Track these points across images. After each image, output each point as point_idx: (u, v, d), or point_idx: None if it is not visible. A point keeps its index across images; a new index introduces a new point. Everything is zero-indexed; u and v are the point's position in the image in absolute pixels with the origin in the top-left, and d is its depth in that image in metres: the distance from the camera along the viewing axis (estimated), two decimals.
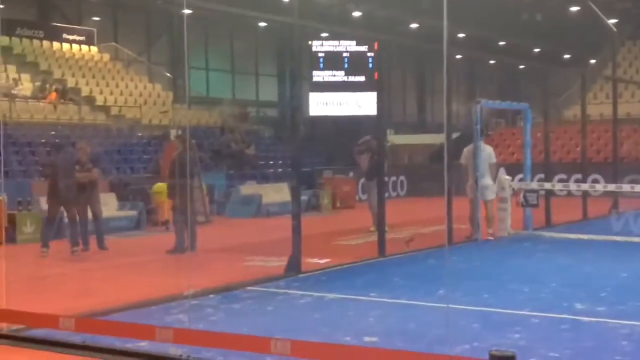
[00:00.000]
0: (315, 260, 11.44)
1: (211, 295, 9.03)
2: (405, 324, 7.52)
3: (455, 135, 15.87)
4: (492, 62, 46.17)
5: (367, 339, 6.73)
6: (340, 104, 11.57)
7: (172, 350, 5.97)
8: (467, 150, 14.57)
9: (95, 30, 32.28)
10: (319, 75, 11.36)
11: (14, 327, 6.88)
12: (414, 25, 35.96)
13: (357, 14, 34.19)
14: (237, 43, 37.34)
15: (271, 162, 27.28)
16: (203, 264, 11.65)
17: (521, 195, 14.99)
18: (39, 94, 25.63)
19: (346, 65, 11.67)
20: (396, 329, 7.24)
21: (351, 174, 24.85)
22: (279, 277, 10.25)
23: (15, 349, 6.65)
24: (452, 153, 13.44)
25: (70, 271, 12.02)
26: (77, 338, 6.43)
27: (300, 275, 10.31)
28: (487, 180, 14.33)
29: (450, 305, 7.00)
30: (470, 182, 14.29)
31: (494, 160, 14.80)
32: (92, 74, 29.63)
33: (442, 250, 11.82)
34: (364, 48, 11.90)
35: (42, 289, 9.62)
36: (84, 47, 31.40)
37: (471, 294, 8.73)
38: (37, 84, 26.30)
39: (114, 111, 27.12)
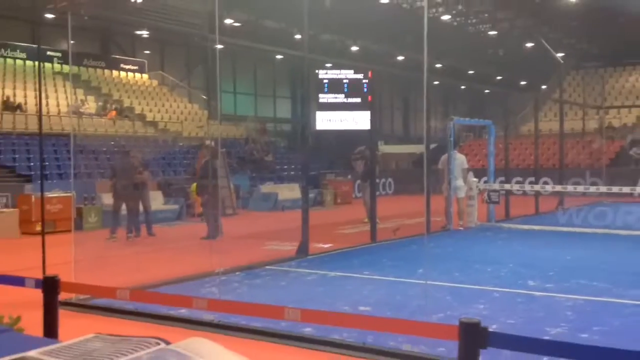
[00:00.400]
0: (320, 245, 11.44)
1: (237, 273, 9.03)
2: (392, 297, 7.51)
3: (433, 145, 15.83)
4: (463, 87, 46.14)
5: (361, 308, 6.73)
6: (341, 121, 11.52)
7: (206, 316, 5.98)
8: (443, 157, 14.61)
9: (146, 61, 32.34)
10: (324, 98, 11.32)
11: (81, 297, 6.91)
12: (400, 58, 35.94)
13: (354, 48, 34.21)
14: (259, 71, 37.38)
15: (285, 167, 27.28)
16: (230, 247, 11.67)
17: (486, 194, 14.97)
18: (101, 112, 25.67)
19: (346, 90, 11.62)
20: (385, 301, 7.24)
21: (349, 176, 24.84)
22: (291, 258, 10.25)
23: (82, 314, 6.67)
24: (431, 160, 13.41)
25: (125, 253, 12.05)
26: (130, 306, 6.44)
27: (308, 257, 10.32)
28: (459, 182, 14.33)
29: (428, 282, 6.99)
30: (445, 183, 14.30)
31: (465, 165, 14.80)
32: (143, 96, 29.67)
33: (421, 238, 11.79)
34: (360, 76, 11.86)
35: (103, 267, 9.64)
36: (137, 75, 31.45)
37: (445, 273, 8.72)
38: (100, 104, 26.34)
39: (161, 126, 27.15)
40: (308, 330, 5.69)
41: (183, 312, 6.24)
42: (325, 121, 12.07)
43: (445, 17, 31.03)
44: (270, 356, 5.39)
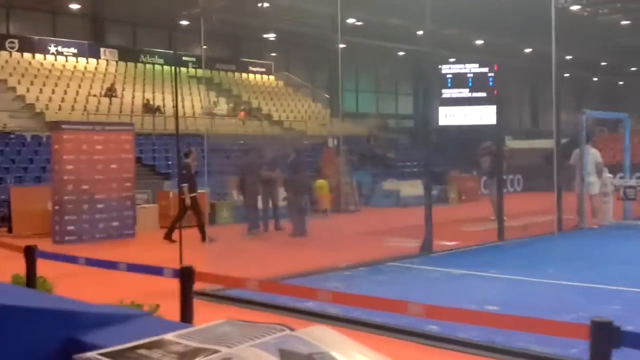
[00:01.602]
0: (444, 242, 11.22)
1: (360, 268, 9.07)
2: (520, 296, 7.22)
3: (564, 140, 15.06)
4: (595, 79, 43.59)
5: (488, 307, 6.52)
6: (465, 116, 11.27)
7: (330, 309, 6.06)
8: (575, 153, 13.91)
9: (272, 63, 33.30)
10: (447, 93, 11.12)
11: (214, 287, 7.23)
12: (527, 50, 34.51)
13: (479, 41, 33.23)
14: (381, 69, 37.34)
15: (407, 163, 27.02)
16: (354, 243, 11.72)
17: (621, 191, 14.06)
18: (231, 113, 26.75)
19: (470, 84, 11.34)
20: (512, 300, 6.97)
21: (474, 172, 24.17)
22: (414, 255, 10.14)
23: (215, 304, 6.98)
24: (562, 155, 12.80)
25: (255, 246, 12.45)
26: (259, 297, 6.66)
27: (432, 255, 10.16)
28: (592, 178, 13.56)
29: (558, 282, 6.65)
30: (578, 179, 13.57)
31: (599, 160, 13.98)
32: (270, 96, 30.57)
33: (552, 236, 11.26)
34: (485, 69, 11.52)
35: (234, 259, 10.02)
36: (265, 77, 32.46)
37: (576, 273, 8.27)
38: (231, 105, 27.45)
39: (286, 125, 27.83)
40: (433, 328, 5.60)
41: (309, 304, 6.35)
42: (448, 116, 11.84)
43: (575, 8, 29.39)
44: (393, 351, 5.35)
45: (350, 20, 27.50)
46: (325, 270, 8.70)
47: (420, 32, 23.48)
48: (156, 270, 3.91)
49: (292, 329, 1.64)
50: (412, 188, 21.12)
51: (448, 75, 11.79)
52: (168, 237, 12.38)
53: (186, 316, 3.40)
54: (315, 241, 12.87)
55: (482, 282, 8.13)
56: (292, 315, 6.30)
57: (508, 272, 8.63)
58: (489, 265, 9.28)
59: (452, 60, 12.38)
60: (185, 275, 3.51)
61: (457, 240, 11.72)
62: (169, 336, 1.48)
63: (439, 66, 11.85)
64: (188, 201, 12.50)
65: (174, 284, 4.65)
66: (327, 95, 33.00)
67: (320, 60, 34.49)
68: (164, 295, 4.75)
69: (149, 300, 4.93)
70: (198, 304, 4.24)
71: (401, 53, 35.42)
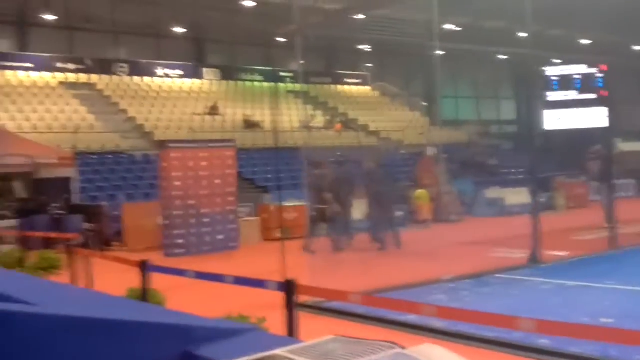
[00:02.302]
0: (553, 252, 10.76)
1: (465, 280, 8.87)
2: (638, 308, 6.80)
3: None
4: None
5: (603, 320, 6.19)
6: (573, 119, 10.80)
7: (434, 323, 5.95)
8: None
9: (368, 74, 33.40)
10: (553, 96, 10.70)
11: (316, 299, 7.29)
12: (638, 48, 32.65)
13: (584, 41, 31.80)
14: (480, 74, 36.50)
15: (512, 170, 26.17)
16: (457, 254, 11.48)
17: None
18: (328, 125, 27.04)
19: (578, 86, 10.86)
20: (629, 313, 6.58)
21: (583, 178, 23.06)
22: (522, 266, 9.80)
23: (317, 316, 7.04)
24: None
25: (354, 258, 12.46)
26: (361, 310, 6.64)
27: (541, 265, 9.78)
28: None
29: None
30: None
31: None
32: (366, 107, 30.65)
33: None
34: (593, 70, 11.01)
35: (334, 271, 10.08)
36: (360, 88, 32.60)
37: None
38: (327, 118, 27.76)
39: (383, 135, 27.77)
40: (544, 342, 5.38)
41: (411, 317, 6.27)
42: (554, 120, 11.39)
43: None
44: None
45: (448, 26, 27.12)
46: (427, 282, 8.58)
47: (521, 34, 22.81)
48: (260, 284, 4.00)
49: (401, 347, 1.63)
50: (517, 196, 20.41)
51: (553, 78, 11.38)
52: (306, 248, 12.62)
53: (291, 329, 3.45)
54: (416, 253, 12.70)
55: (596, 294, 7.73)
56: (394, 328, 6.24)
57: (623, 283, 8.16)
58: (602, 276, 8.80)
59: (556, 61, 11.91)
60: (289, 289, 3.57)
61: (567, 249, 11.22)
62: (280, 352, 1.52)
63: (543, 68, 11.45)
64: (335, 209, 12.69)
65: (278, 296, 4.71)
66: (424, 104, 32.67)
67: (417, 69, 34.22)
68: (269, 307, 4.85)
69: (254, 312, 5.04)
70: (301, 316, 4.30)
71: (501, 56, 34.49)
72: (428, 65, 32.84)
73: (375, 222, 13.36)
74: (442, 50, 27.86)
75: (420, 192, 17.41)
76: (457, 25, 28.21)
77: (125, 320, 1.32)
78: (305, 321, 4.61)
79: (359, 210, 13.92)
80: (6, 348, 1.17)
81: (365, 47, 32.27)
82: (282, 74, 29.21)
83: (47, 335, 1.22)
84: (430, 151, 21.45)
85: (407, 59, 34.10)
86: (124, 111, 24.58)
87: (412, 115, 31.14)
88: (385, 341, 1.66)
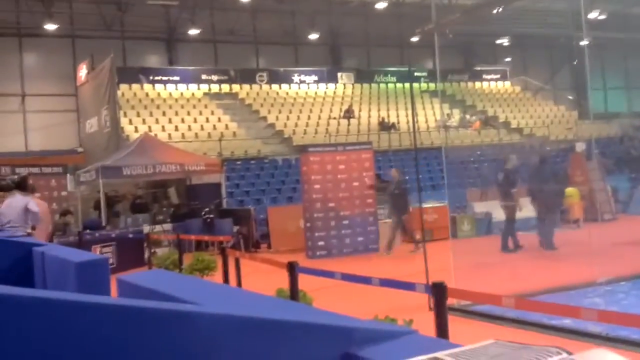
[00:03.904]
0: None
1: (622, 283, 8.30)
2: None
3: None
4: None
5: None
6: None
7: (591, 327, 5.61)
8: None
9: (507, 68, 32.25)
10: None
11: (462, 302, 7.13)
12: None
13: None
14: (631, 62, 33.97)
15: None
16: (612, 255, 10.72)
17: None
18: (466, 124, 26.42)
19: None
20: None
21: None
22: None
23: (465, 319, 6.88)
24: None
25: (500, 260, 12.06)
26: (511, 313, 6.41)
27: None
28: None
29: None
30: None
31: None
32: (507, 103, 29.62)
33: None
34: None
35: (479, 274, 9.80)
36: (499, 83, 31.55)
37: None
38: (465, 116, 27.15)
39: (526, 131, 26.68)
40: None
41: (566, 322, 5.96)
42: None
43: None
44: None
45: (593, 15, 25.54)
46: (580, 285, 8.11)
47: None
48: (409, 286, 3.98)
49: (569, 353, 1.54)
50: None
51: None
52: (505, 247, 12.47)
53: (442, 333, 3.40)
54: (567, 254, 12.04)
55: None
56: (549, 332, 5.97)
57: None
58: None
59: None
60: (439, 291, 3.51)
61: None
62: (441, 355, 1.49)
63: None
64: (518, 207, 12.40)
65: (422, 298, 4.65)
66: (570, 97, 30.98)
67: (561, 60, 32.57)
68: (414, 310, 4.82)
69: (399, 314, 5.02)
70: (450, 319, 4.21)
71: None
72: (573, 56, 31.18)
73: (543, 222, 12.85)
74: (589, 39, 26.34)
75: (570, 190, 16.46)
76: (603, 13, 26.51)
77: (290, 320, 1.36)
78: (454, 325, 4.52)
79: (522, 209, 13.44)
80: (183, 348, 1.24)
81: (504, 41, 31.19)
82: (416, 73, 28.97)
83: (219, 335, 1.28)
84: (580, 147, 20.26)
85: (550, 51, 32.56)
86: (264, 118, 25.55)
87: (557, 109, 29.63)
88: (552, 346, 1.57)
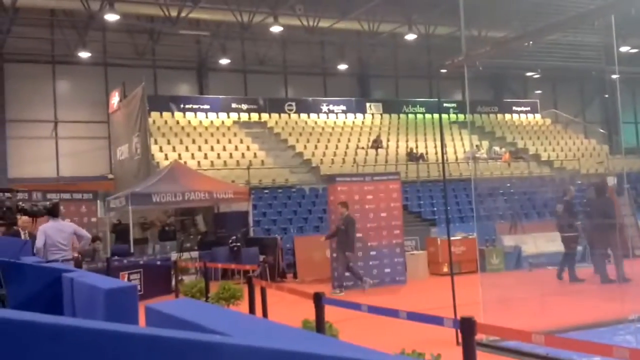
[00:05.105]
0: None
1: None
2: None
3: None
4: None
5: None
6: None
7: None
8: None
9: (538, 101, 32.09)
10: None
11: (491, 337, 7.01)
12: None
13: None
14: None
15: None
16: None
17: None
18: (495, 156, 26.24)
19: None
20: None
21: None
22: None
23: (492, 355, 6.75)
24: None
25: (529, 295, 11.83)
26: (540, 350, 6.27)
27: None
28: None
29: None
30: None
31: None
32: (537, 136, 29.39)
33: None
34: None
35: (508, 309, 9.62)
36: (529, 116, 31.35)
37: None
38: (495, 148, 26.98)
39: (556, 164, 26.39)
40: None
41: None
42: None
43: None
44: None
45: (624, 49, 25.39)
46: (610, 322, 7.91)
47: None
48: (437, 320, 3.93)
49: None
50: None
51: None
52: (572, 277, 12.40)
53: None
54: (596, 289, 11.79)
55: None
56: None
57: None
58: None
59: None
60: (467, 327, 3.46)
61: None
62: None
63: None
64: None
65: (449, 332, 4.55)
66: (601, 130, 30.64)
67: (591, 94, 32.33)
68: (441, 344, 4.74)
69: (427, 348, 4.95)
70: (477, 355, 4.14)
71: None
72: (604, 89, 30.91)
73: (597, 256, 12.66)
74: (621, 73, 26.11)
75: None
76: (634, 48, 26.35)
77: (320, 354, 1.35)
78: None
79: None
80: None
81: (535, 74, 31.06)
82: (445, 104, 28.98)
83: None
84: (611, 181, 19.95)
85: (581, 84, 32.36)
86: (292, 147, 25.70)
87: (588, 142, 29.30)
88: None
